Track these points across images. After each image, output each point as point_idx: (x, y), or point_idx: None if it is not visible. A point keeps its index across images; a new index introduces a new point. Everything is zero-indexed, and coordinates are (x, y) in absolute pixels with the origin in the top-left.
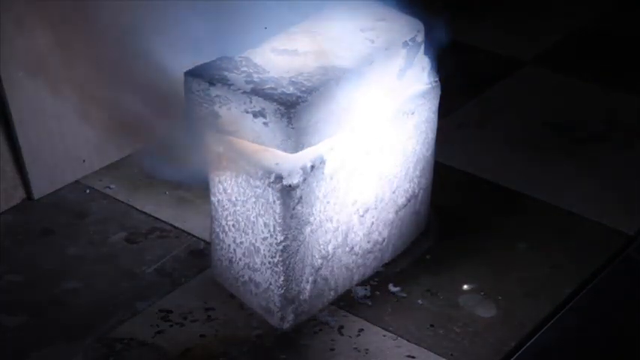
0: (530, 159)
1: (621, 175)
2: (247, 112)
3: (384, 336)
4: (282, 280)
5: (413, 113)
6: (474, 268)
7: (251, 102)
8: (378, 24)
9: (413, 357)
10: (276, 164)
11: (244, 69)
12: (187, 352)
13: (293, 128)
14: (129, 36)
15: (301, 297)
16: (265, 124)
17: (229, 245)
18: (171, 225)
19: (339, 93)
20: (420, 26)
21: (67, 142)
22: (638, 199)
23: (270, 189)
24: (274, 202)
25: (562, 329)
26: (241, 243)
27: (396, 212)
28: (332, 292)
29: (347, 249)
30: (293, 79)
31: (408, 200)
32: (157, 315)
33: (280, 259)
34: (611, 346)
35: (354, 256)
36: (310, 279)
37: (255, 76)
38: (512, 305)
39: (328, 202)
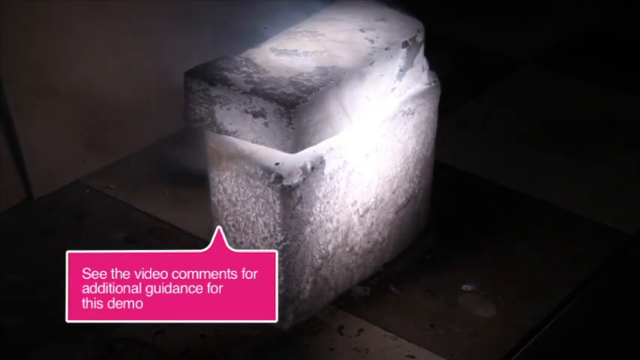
0: (530, 159)
1: (621, 175)
2: (247, 112)
3: (384, 336)
4: (282, 280)
5: (413, 113)
6: (474, 268)
7: (251, 102)
8: (378, 24)
9: (413, 357)
10: (276, 164)
11: (244, 69)
12: (187, 352)
13: (293, 128)
14: (129, 36)
15: (301, 297)
16: (265, 124)
17: (229, 245)
18: (171, 225)
19: (339, 93)
20: (420, 26)
21: (67, 142)
22: (638, 199)
23: (270, 189)
24: (274, 202)
25: (562, 329)
26: (241, 243)
27: (396, 212)
28: (332, 292)
29: (347, 249)
30: (293, 79)
31: (408, 200)
32: None
33: (280, 259)
34: (611, 346)
35: (354, 256)
36: (310, 279)
37: (255, 76)
38: (512, 305)
39: (328, 202)
